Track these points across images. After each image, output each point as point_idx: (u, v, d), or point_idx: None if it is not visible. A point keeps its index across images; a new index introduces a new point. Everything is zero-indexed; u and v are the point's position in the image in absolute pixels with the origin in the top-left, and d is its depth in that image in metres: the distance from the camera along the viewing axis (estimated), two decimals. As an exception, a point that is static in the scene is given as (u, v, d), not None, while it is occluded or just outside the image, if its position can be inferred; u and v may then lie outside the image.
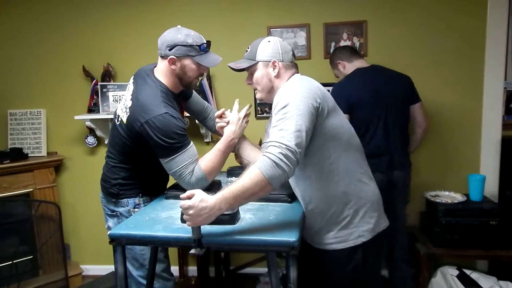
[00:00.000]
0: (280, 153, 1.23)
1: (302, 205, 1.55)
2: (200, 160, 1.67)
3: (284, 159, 1.23)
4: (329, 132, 1.42)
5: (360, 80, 2.32)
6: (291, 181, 1.57)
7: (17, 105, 3.09)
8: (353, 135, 1.53)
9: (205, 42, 1.69)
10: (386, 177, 2.26)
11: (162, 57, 1.69)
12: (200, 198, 1.23)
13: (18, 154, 2.91)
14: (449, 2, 2.63)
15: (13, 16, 3.02)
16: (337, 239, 1.47)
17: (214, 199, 1.24)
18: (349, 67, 2.39)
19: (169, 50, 1.64)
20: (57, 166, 3.09)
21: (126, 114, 1.68)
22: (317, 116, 1.37)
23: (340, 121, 1.48)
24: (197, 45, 1.66)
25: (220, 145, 1.71)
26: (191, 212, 1.23)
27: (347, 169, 1.46)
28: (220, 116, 1.79)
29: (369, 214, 1.48)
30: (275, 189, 1.28)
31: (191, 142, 1.66)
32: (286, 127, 1.28)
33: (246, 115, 1.81)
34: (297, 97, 1.34)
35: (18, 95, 3.09)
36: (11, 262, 2.77)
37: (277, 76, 1.52)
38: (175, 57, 1.65)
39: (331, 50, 2.72)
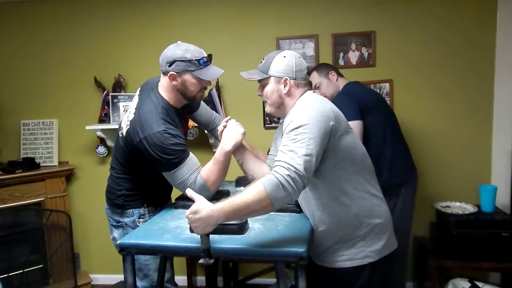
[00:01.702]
0: (288, 175, 1.21)
1: (311, 223, 1.53)
2: (202, 170, 1.68)
3: (291, 182, 1.21)
4: (342, 153, 1.40)
5: (362, 87, 2.36)
6: (301, 201, 1.56)
7: (30, 116, 3.15)
8: (365, 155, 1.52)
9: (205, 56, 1.69)
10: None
11: (163, 73, 1.72)
12: (195, 209, 1.22)
13: (30, 163, 2.96)
14: (458, 11, 2.63)
15: (27, 28, 3.09)
16: (343, 257, 1.46)
17: (210, 209, 1.21)
18: (340, 80, 2.37)
19: (169, 66, 1.66)
20: (68, 175, 3.14)
21: (127, 127, 1.71)
22: (330, 138, 1.36)
23: (353, 142, 1.46)
24: (196, 60, 1.66)
25: (217, 154, 1.68)
26: (189, 221, 1.24)
27: (359, 190, 1.44)
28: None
29: (378, 235, 1.46)
30: (275, 210, 1.26)
31: (190, 154, 1.67)
32: (296, 149, 1.26)
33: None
34: (311, 119, 1.32)
35: (31, 106, 3.15)
36: (22, 271, 2.80)
37: (288, 94, 1.50)
38: (175, 73, 1.67)
39: (339, 61, 2.74)
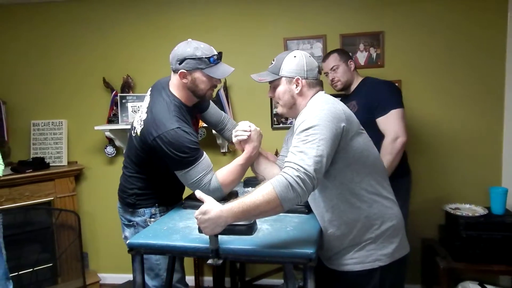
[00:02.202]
0: (298, 176, 1.20)
1: (320, 225, 1.52)
2: (219, 171, 1.69)
3: (301, 183, 1.20)
4: (353, 155, 1.39)
5: None
6: (310, 202, 1.55)
7: (40, 116, 3.18)
8: (378, 157, 1.50)
9: (215, 53, 1.70)
10: None
11: (173, 71, 1.72)
12: (204, 209, 1.23)
13: (40, 163, 2.99)
14: (467, 13, 2.61)
15: (37, 29, 3.13)
16: (353, 260, 1.44)
17: (219, 210, 1.22)
18: (355, 72, 2.38)
19: (179, 64, 1.67)
20: (77, 175, 3.16)
21: (141, 126, 1.71)
22: (341, 140, 1.35)
23: (365, 143, 1.44)
24: (206, 57, 1.66)
25: (241, 160, 1.71)
26: (198, 221, 1.24)
27: (370, 193, 1.42)
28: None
29: (390, 239, 1.44)
30: (285, 211, 1.26)
31: (204, 154, 1.68)
32: (307, 150, 1.25)
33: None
34: (322, 120, 1.31)
35: (41, 106, 3.18)
36: (32, 269, 2.83)
37: (300, 93, 1.49)
38: (185, 71, 1.67)
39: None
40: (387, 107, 2.17)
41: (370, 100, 2.21)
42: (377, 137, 2.02)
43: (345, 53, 2.39)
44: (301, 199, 1.22)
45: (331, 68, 2.32)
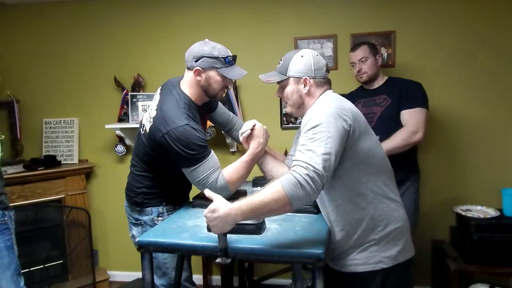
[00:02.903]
0: (307, 174, 1.20)
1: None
2: (224, 169, 1.70)
3: (310, 181, 1.20)
4: (360, 154, 1.38)
5: None
6: (317, 202, 1.55)
7: (52, 114, 3.22)
8: (384, 158, 1.49)
9: (231, 55, 1.72)
10: None
11: (188, 68, 1.74)
12: (213, 208, 1.23)
13: (51, 161, 3.02)
14: (480, 12, 2.57)
15: (49, 28, 3.17)
16: (356, 261, 1.43)
17: (228, 208, 1.22)
18: (380, 69, 2.41)
19: (195, 61, 1.68)
20: (88, 173, 3.19)
21: (150, 123, 1.72)
22: (348, 138, 1.34)
23: (372, 143, 1.43)
24: (222, 58, 1.69)
25: (246, 157, 1.72)
26: (207, 219, 1.25)
27: (376, 194, 1.41)
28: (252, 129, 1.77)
29: (394, 241, 1.43)
30: (294, 209, 1.25)
31: (212, 152, 1.68)
32: (315, 148, 1.25)
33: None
34: (329, 118, 1.31)
35: (53, 105, 3.22)
36: (42, 266, 2.86)
37: (308, 93, 1.49)
38: (200, 69, 1.69)
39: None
40: (416, 103, 2.21)
41: (403, 94, 2.25)
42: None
43: (375, 47, 2.41)
44: (310, 197, 1.22)
45: (360, 59, 2.33)
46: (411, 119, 2.19)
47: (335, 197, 1.43)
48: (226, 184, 1.66)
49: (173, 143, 1.61)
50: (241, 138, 1.77)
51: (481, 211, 2.46)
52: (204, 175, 1.64)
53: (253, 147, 1.73)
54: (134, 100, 2.95)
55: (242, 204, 1.23)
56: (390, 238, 1.42)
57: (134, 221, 1.90)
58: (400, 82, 2.34)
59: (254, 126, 1.73)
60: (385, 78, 2.39)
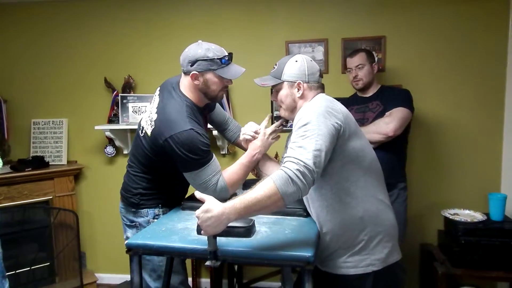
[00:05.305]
0: (298, 169, 1.21)
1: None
2: (224, 171, 1.70)
3: (301, 176, 1.21)
4: (349, 154, 1.40)
5: None
6: (306, 201, 1.56)
7: (40, 115, 3.18)
8: (375, 159, 1.51)
9: (226, 54, 1.70)
10: None
11: (185, 73, 1.71)
12: (206, 208, 1.23)
13: (39, 162, 2.98)
14: (469, 17, 2.61)
15: (38, 27, 3.13)
16: (347, 264, 1.44)
17: (221, 207, 1.22)
18: (375, 77, 2.46)
19: (191, 66, 1.66)
20: (76, 174, 3.16)
21: (151, 127, 1.70)
22: (338, 138, 1.36)
23: (362, 144, 1.45)
24: (218, 59, 1.66)
25: (244, 159, 1.74)
26: (199, 220, 1.24)
27: (365, 194, 1.43)
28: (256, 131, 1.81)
29: (383, 243, 1.44)
30: (286, 205, 1.26)
31: (214, 156, 1.69)
32: (305, 145, 1.27)
33: (275, 131, 1.81)
34: (319, 116, 1.34)
35: (42, 105, 3.19)
36: (29, 268, 2.82)
37: (301, 97, 1.53)
38: (197, 73, 1.66)
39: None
40: (398, 103, 2.26)
41: (391, 99, 2.30)
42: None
43: (372, 55, 2.44)
44: (301, 192, 1.23)
45: (357, 66, 2.36)
46: (389, 114, 2.24)
47: (325, 196, 1.45)
48: (226, 186, 1.66)
49: (176, 148, 1.59)
50: (241, 137, 1.82)
51: (468, 215, 2.49)
52: (206, 179, 1.63)
53: (251, 149, 1.76)
54: (124, 101, 2.93)
55: (235, 202, 1.23)
56: (379, 240, 1.43)
57: (128, 223, 1.88)
58: (393, 90, 2.40)
59: (257, 131, 1.79)
60: (379, 86, 2.43)
